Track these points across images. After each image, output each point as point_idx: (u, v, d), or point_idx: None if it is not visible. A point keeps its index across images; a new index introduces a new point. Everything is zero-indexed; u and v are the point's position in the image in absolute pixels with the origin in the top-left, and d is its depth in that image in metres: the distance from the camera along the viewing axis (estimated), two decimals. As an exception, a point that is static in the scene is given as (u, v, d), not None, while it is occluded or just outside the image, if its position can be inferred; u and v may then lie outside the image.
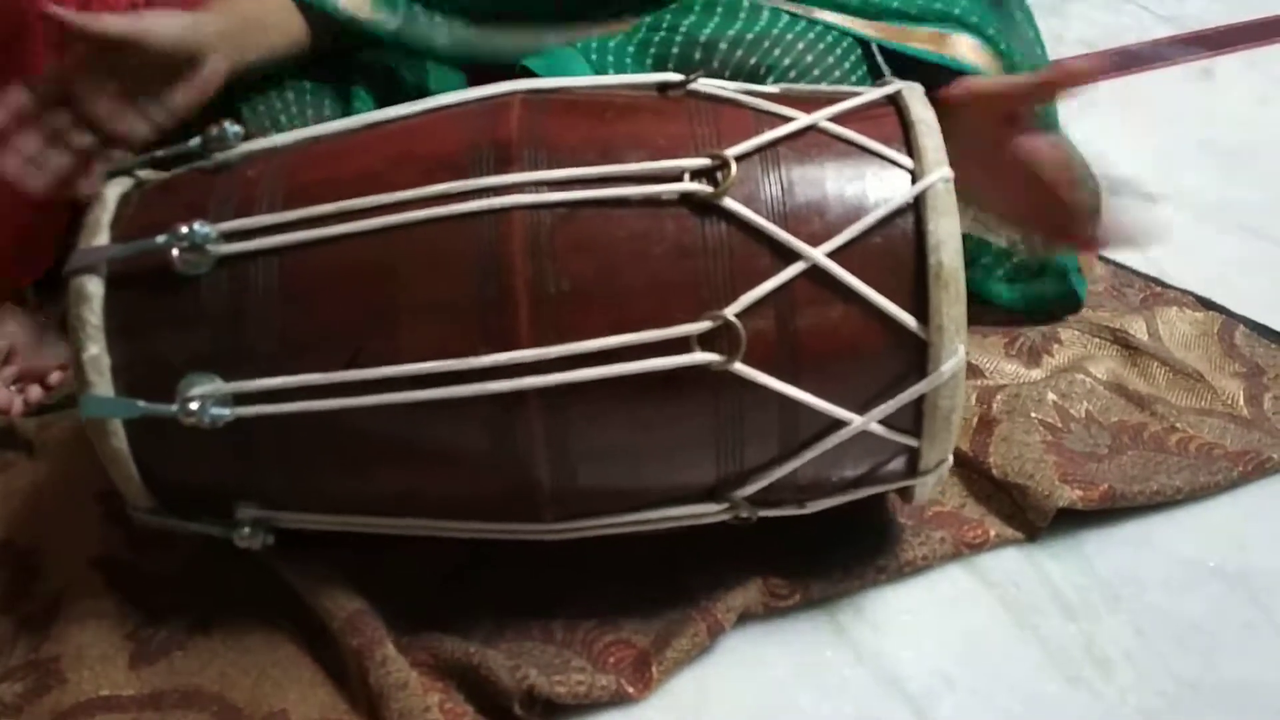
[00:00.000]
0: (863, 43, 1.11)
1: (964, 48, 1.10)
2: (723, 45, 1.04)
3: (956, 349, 0.79)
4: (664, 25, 1.07)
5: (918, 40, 1.10)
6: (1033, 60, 1.21)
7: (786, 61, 1.04)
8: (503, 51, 1.12)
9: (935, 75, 0.99)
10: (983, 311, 1.23)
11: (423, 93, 1.09)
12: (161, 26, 0.95)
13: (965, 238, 1.24)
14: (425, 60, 1.15)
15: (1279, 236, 1.42)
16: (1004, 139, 0.97)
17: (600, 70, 1.05)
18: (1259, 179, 1.55)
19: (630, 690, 0.85)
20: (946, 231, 0.79)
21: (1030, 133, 0.97)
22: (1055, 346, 1.20)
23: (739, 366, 0.78)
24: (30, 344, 1.10)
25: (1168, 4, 2.10)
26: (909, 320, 0.79)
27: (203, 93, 0.96)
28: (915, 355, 0.80)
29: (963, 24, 1.11)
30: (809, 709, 0.86)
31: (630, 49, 1.07)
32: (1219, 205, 1.49)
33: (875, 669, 0.89)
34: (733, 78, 1.00)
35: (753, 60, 1.04)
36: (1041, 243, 1.12)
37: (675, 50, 1.05)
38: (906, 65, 1.10)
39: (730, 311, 0.78)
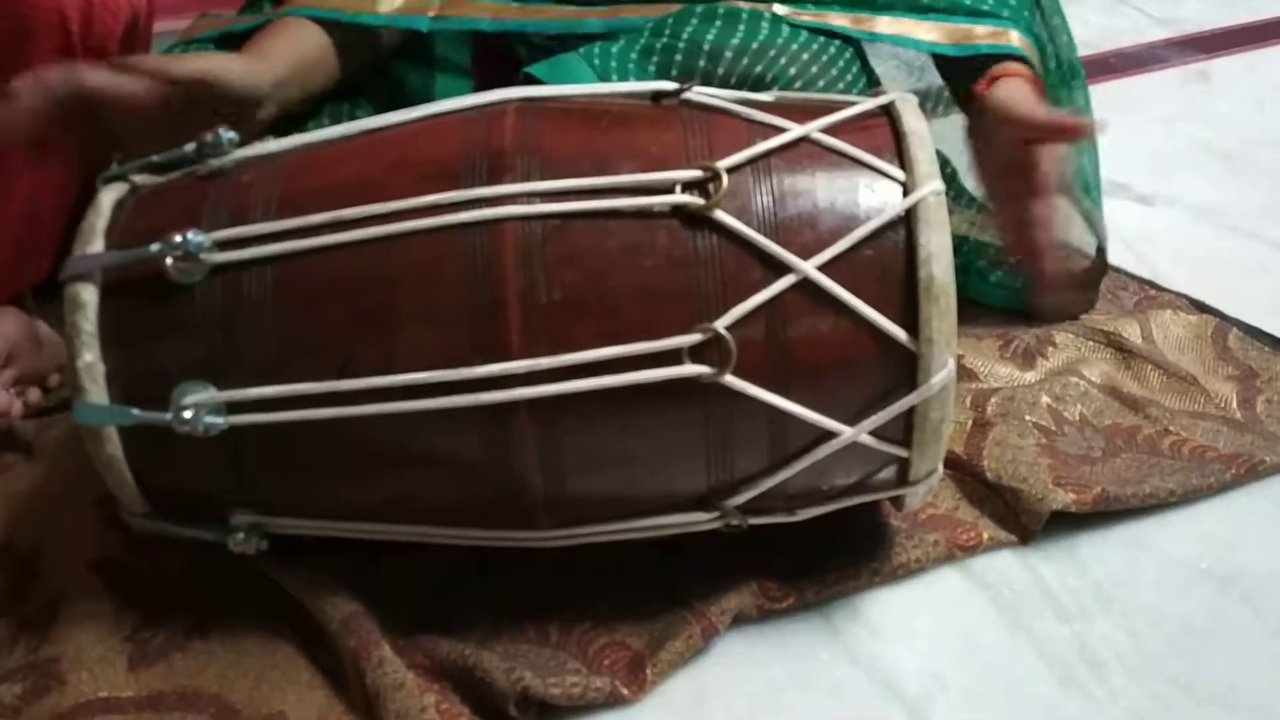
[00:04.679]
0: (860, 50, 1.11)
1: (1015, 40, 1.11)
2: (728, 54, 1.04)
3: (946, 361, 0.79)
4: (666, 32, 1.07)
5: (980, 38, 1.11)
6: (1059, 49, 1.21)
7: (792, 71, 1.04)
8: (546, 27, 1.12)
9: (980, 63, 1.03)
10: (977, 314, 1.24)
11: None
12: (231, 72, 0.98)
13: (961, 240, 1.25)
14: (433, 71, 1.16)
15: (1274, 239, 1.42)
16: (1021, 164, 1.01)
17: (604, 76, 1.05)
18: (1255, 182, 1.55)
19: (625, 692, 0.86)
20: (938, 245, 0.79)
21: (1045, 176, 1.01)
22: (1049, 349, 1.20)
23: (729, 378, 0.78)
24: (29, 347, 1.10)
25: (1164, 6, 2.10)
26: (899, 333, 0.79)
27: (251, 136, 0.98)
28: (905, 367, 0.80)
29: (1012, 20, 1.12)
30: (803, 711, 0.87)
31: (633, 55, 1.07)
32: (1214, 208, 1.49)
33: (869, 671, 0.89)
34: (737, 86, 1.00)
35: (758, 69, 1.04)
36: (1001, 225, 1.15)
37: (679, 57, 1.05)
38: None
39: (721, 324, 0.78)
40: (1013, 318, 1.25)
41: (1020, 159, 1.02)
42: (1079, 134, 1.00)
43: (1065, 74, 1.21)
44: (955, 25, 1.12)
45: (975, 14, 1.12)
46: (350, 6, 1.10)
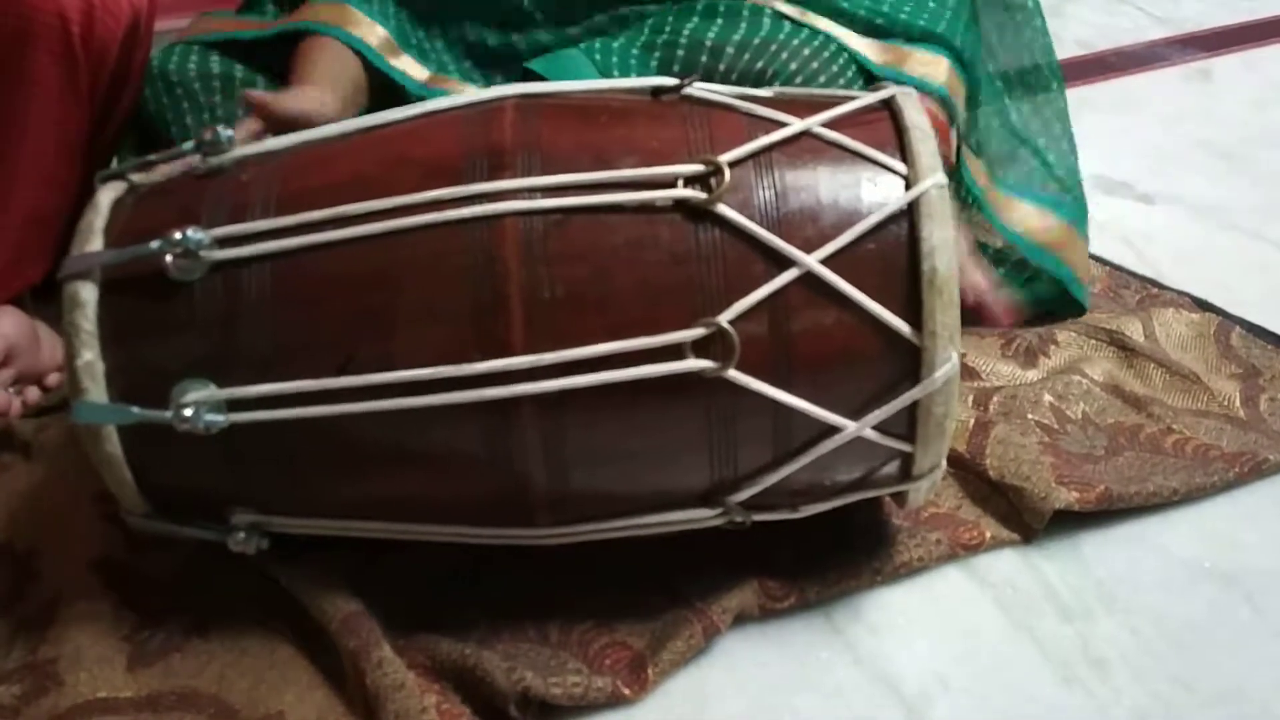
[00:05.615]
0: None
1: (944, 73, 1.11)
2: (729, 50, 1.04)
3: (950, 355, 0.79)
4: (667, 28, 1.08)
5: (913, 66, 1.11)
6: (1035, 58, 1.21)
7: (793, 66, 1.04)
8: None
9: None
10: (979, 313, 1.24)
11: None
12: (322, 104, 1.02)
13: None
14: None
15: (1276, 238, 1.42)
16: None
17: (605, 72, 1.05)
18: (1256, 180, 1.55)
19: (626, 691, 0.85)
20: (940, 238, 0.79)
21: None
22: (1052, 348, 1.20)
23: (732, 373, 0.78)
24: (28, 345, 1.10)
25: (1164, 5, 2.10)
26: (902, 326, 0.79)
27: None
28: (908, 361, 0.80)
29: (946, 45, 1.12)
30: (805, 710, 0.86)
31: (634, 51, 1.07)
32: (1216, 206, 1.49)
33: (871, 670, 0.89)
34: (738, 82, 1.00)
35: (759, 65, 1.04)
36: None
37: (680, 53, 1.06)
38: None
39: (724, 318, 0.78)
40: (1015, 316, 1.25)
41: None
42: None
43: (1046, 77, 1.22)
44: (891, 46, 1.13)
45: (914, 41, 1.13)
46: (349, 27, 1.12)
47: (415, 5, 1.18)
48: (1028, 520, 0.99)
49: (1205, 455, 1.06)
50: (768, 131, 0.83)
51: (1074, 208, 1.29)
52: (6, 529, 1.00)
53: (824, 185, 0.81)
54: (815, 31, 1.09)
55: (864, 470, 0.86)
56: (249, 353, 0.81)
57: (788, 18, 1.09)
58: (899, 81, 1.09)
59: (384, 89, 1.17)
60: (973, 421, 1.08)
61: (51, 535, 0.99)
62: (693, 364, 0.78)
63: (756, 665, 0.89)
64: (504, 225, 0.80)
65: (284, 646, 0.89)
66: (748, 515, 0.86)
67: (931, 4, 1.14)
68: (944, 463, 0.87)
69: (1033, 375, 1.17)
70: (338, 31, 1.12)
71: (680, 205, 0.80)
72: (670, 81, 0.88)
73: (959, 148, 1.22)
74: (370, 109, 1.15)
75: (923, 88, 1.09)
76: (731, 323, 0.78)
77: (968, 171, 1.22)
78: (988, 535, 0.99)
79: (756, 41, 1.05)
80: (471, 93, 0.89)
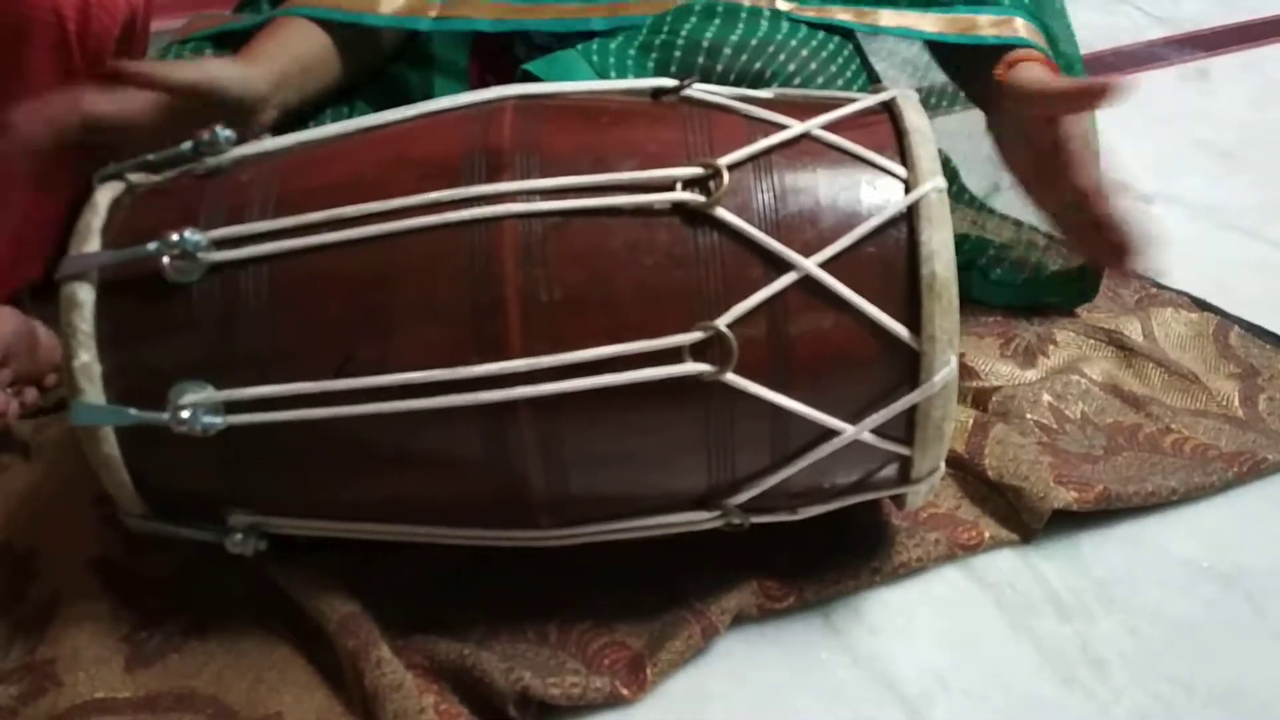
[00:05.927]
0: (857, 46, 1.11)
1: (1021, 27, 1.11)
2: (727, 50, 1.04)
3: (949, 359, 0.79)
4: (665, 29, 1.07)
5: (984, 28, 1.11)
6: (1058, 44, 1.21)
7: (791, 67, 1.04)
8: (547, 26, 1.12)
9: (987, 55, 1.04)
10: (978, 312, 1.24)
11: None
12: (228, 78, 0.98)
13: (962, 237, 1.25)
14: (432, 71, 1.16)
15: (1274, 238, 1.42)
16: (1051, 143, 1.02)
17: (602, 73, 1.05)
18: (1254, 180, 1.55)
19: (625, 692, 0.85)
20: (940, 242, 0.79)
21: (1079, 147, 1.04)
22: (1050, 348, 1.20)
23: (731, 377, 0.78)
24: (26, 346, 1.09)
25: (1163, 5, 2.10)
26: (901, 330, 0.79)
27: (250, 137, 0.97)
28: (907, 365, 0.80)
29: (1018, 7, 1.12)
30: (804, 711, 0.86)
31: (631, 52, 1.07)
32: (1214, 206, 1.49)
33: (870, 671, 0.89)
34: (736, 82, 1.00)
35: (757, 65, 1.04)
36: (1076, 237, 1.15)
37: (678, 54, 1.05)
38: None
39: (722, 322, 0.77)
40: (1013, 316, 1.25)
41: (1049, 138, 1.01)
42: (1104, 96, 0.99)
43: (1064, 69, 1.21)
44: (958, 15, 1.12)
45: (977, 5, 1.12)
46: (350, 6, 1.10)
47: None
48: (1026, 520, 0.99)
49: (1204, 455, 1.05)
50: (767, 134, 0.83)
51: None
52: (5, 529, 0.99)
53: (823, 188, 0.81)
54: (813, 30, 1.08)
55: (862, 473, 0.86)
56: (247, 354, 0.81)
57: (790, 18, 1.09)
58: (976, 44, 1.10)
59: (390, 81, 1.16)
60: (971, 421, 1.08)
61: (50, 535, 0.98)
62: (690, 367, 0.78)
63: (755, 666, 0.89)
64: (502, 227, 0.79)
65: (282, 647, 0.89)
66: (746, 518, 0.86)
67: None
68: (942, 465, 0.87)
69: (1031, 375, 1.16)
70: (306, 10, 1.10)
71: (679, 208, 0.80)
72: (670, 83, 0.88)
73: None
74: (374, 102, 1.15)
75: (1011, 43, 1.09)
76: (730, 326, 0.78)
77: None
78: (986, 535, 0.98)
79: (754, 42, 1.04)
80: (470, 93, 0.89)
